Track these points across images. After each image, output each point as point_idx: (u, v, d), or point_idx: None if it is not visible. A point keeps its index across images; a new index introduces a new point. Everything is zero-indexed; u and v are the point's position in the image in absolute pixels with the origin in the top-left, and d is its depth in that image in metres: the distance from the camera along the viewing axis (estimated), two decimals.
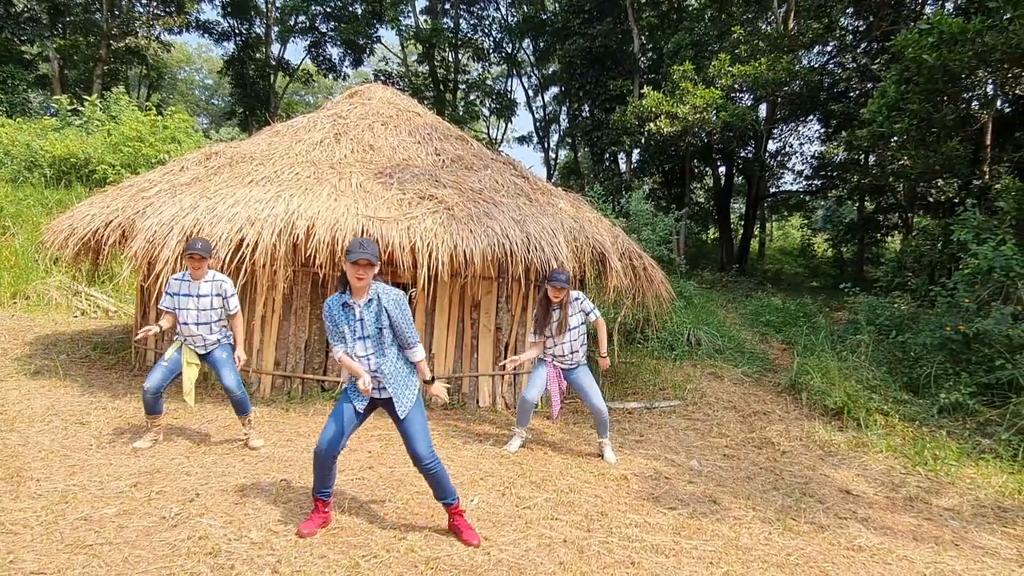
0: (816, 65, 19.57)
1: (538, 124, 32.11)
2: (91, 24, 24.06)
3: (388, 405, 3.58)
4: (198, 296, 4.70)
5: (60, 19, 23.04)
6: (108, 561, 3.10)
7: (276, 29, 30.05)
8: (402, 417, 3.51)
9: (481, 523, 3.94)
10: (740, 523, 4.38)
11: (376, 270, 3.47)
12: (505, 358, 6.95)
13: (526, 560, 3.52)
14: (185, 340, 4.78)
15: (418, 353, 3.61)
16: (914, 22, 12.55)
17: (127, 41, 25.12)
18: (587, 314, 5.41)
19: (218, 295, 4.77)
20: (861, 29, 18.76)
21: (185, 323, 4.71)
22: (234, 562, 3.20)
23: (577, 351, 5.40)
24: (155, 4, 27.66)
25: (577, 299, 5.36)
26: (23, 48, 24.91)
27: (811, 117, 22.26)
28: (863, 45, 18.64)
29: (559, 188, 8.47)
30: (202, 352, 4.82)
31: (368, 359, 3.52)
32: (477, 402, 6.84)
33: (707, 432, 6.77)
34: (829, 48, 19.76)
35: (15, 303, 10.28)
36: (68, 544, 3.24)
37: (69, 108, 17.95)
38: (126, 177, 12.99)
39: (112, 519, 3.56)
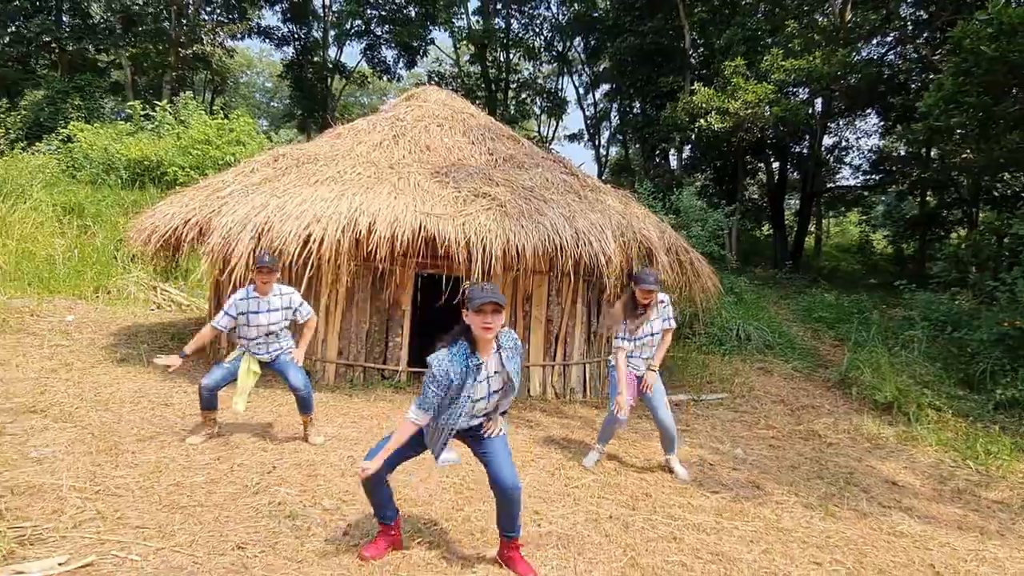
0: (874, 57, 19.16)
1: (589, 122, 32.18)
2: (161, 33, 25.25)
3: (468, 434, 3.24)
4: (268, 311, 4.80)
5: (132, 28, 24.27)
6: (201, 520, 3.49)
7: (333, 33, 30.90)
8: (490, 436, 3.19)
9: (533, 500, 4.21)
10: (782, 507, 4.54)
11: (503, 318, 3.01)
12: (556, 348, 7.22)
13: (574, 532, 3.78)
14: (249, 350, 4.87)
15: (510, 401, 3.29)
16: (979, 10, 12.23)
17: (194, 48, 26.27)
18: (664, 320, 4.99)
19: (287, 308, 4.88)
20: (922, 19, 18.31)
21: (254, 338, 4.80)
22: (310, 524, 3.56)
23: (652, 357, 4.99)
24: (219, 12, 28.82)
25: (663, 302, 4.98)
26: (98, 57, 26.35)
27: (869, 111, 21.78)
28: (924, 35, 18.19)
29: (608, 185, 8.68)
30: (267, 360, 4.91)
31: (491, 408, 3.17)
32: (528, 391, 7.12)
33: (754, 424, 6.89)
34: (888, 39, 19.33)
35: (97, 297, 11.02)
36: (165, 505, 3.65)
37: (142, 113, 18.92)
38: (194, 178, 13.74)
39: (201, 486, 3.96)
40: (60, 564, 2.92)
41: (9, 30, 23.09)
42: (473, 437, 3.24)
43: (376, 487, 3.16)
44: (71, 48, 23.17)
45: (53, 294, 10.49)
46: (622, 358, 4.80)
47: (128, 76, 25.49)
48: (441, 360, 2.97)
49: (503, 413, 3.29)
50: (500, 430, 3.21)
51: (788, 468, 5.49)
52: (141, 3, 23.43)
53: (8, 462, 4.07)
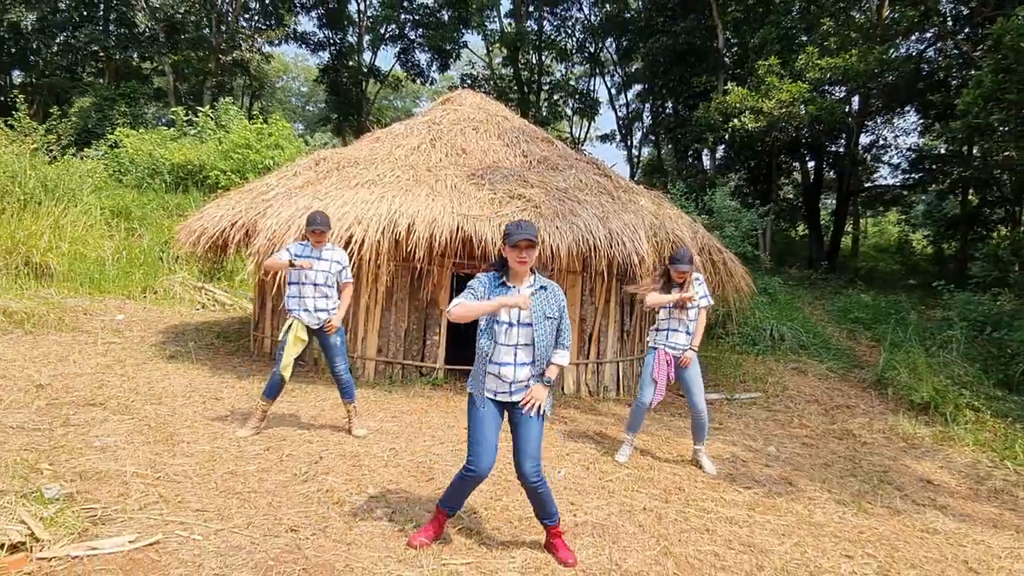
0: (912, 54, 18.84)
1: (621, 122, 32.15)
2: (202, 40, 25.93)
3: (513, 408, 3.33)
4: (319, 260, 5.05)
5: (175, 36, 24.96)
6: (256, 505, 3.70)
7: (368, 37, 31.37)
8: (528, 416, 3.26)
9: (568, 492, 4.35)
10: (814, 503, 4.60)
11: (537, 251, 3.25)
12: (589, 347, 7.34)
13: (608, 522, 3.90)
14: (298, 312, 5.05)
15: (566, 357, 3.39)
16: (1020, 6, 11.98)
17: (233, 55, 26.92)
18: (700, 297, 5.09)
19: (337, 262, 5.12)
20: (963, 15, 17.95)
21: (303, 283, 5.03)
22: (356, 510, 3.74)
23: (690, 335, 5.09)
24: (258, 19, 29.49)
25: (698, 279, 5.11)
26: (142, 64, 27.17)
27: (908, 108, 21.42)
28: (965, 31, 17.84)
29: (640, 186, 8.77)
30: (315, 326, 5.11)
31: (524, 349, 3.26)
32: (562, 389, 7.25)
33: (787, 423, 6.92)
34: (927, 35, 18.99)
35: (145, 297, 11.44)
36: (221, 491, 3.87)
37: (185, 119, 19.49)
38: (236, 182, 14.15)
39: (253, 474, 4.18)
40: (130, 542, 3.14)
41: (58, 40, 23.95)
42: (516, 413, 3.31)
43: (475, 487, 3.36)
44: (117, 57, 23.94)
45: (104, 294, 10.94)
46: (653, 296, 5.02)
47: (171, 83, 26.22)
48: (480, 277, 3.30)
49: (549, 384, 3.33)
50: (539, 406, 3.26)
51: (821, 466, 5.54)
52: (183, 12, 24.11)
53: (75, 450, 4.34)
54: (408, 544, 3.38)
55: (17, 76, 27.87)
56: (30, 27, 22.35)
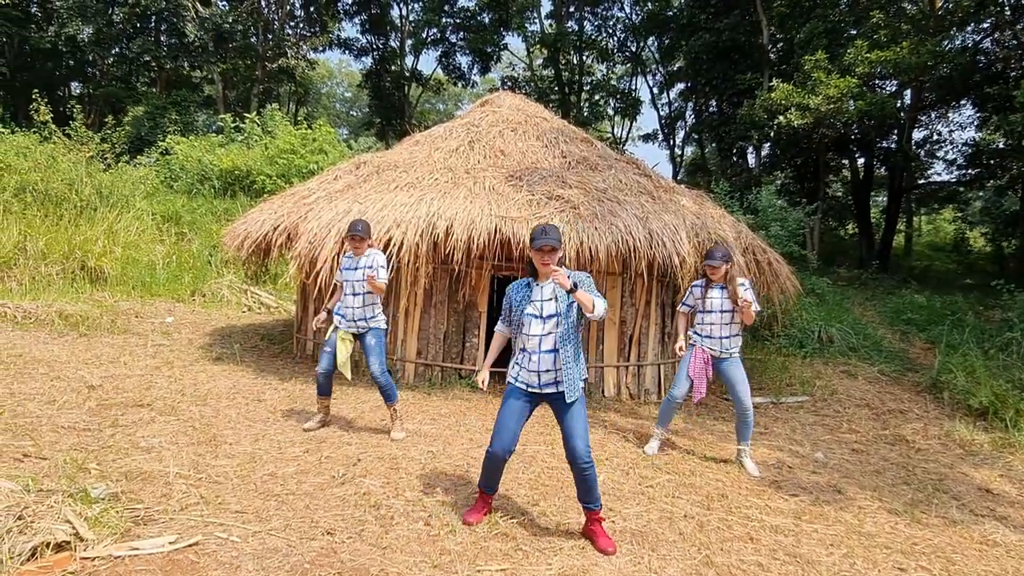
0: (968, 45, 18.13)
1: (663, 121, 31.77)
2: (249, 48, 26.57)
3: (553, 400, 3.56)
4: (355, 268, 5.17)
5: (223, 45, 25.62)
6: (293, 507, 3.73)
7: (410, 42, 31.75)
8: (570, 401, 3.47)
9: (606, 497, 4.26)
10: (864, 512, 4.43)
11: (560, 254, 3.56)
12: (629, 350, 7.24)
13: (648, 529, 3.82)
14: (341, 320, 5.22)
15: (601, 305, 3.48)
16: None
17: (279, 62, 27.49)
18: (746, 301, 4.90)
19: (369, 266, 5.14)
20: (1022, 3, 17.20)
21: (347, 293, 5.18)
22: (393, 514, 3.74)
23: (731, 337, 5.06)
24: (303, 26, 30.10)
25: (743, 284, 5.01)
26: (192, 73, 27.95)
27: (963, 102, 20.62)
28: None
29: (682, 185, 8.61)
30: (355, 332, 5.23)
31: (548, 338, 3.51)
32: (603, 391, 7.16)
33: (836, 428, 6.70)
34: (984, 25, 18.25)
35: (194, 300, 11.72)
36: (260, 492, 3.91)
37: (232, 125, 19.96)
38: (281, 186, 14.41)
39: (292, 476, 4.22)
40: (170, 543, 3.18)
41: (113, 51, 24.80)
42: (556, 405, 3.58)
43: (502, 464, 3.65)
44: (168, 66, 24.68)
45: (154, 297, 11.24)
46: (681, 320, 5.33)
47: (219, 90, 26.93)
48: (511, 286, 3.73)
49: (584, 380, 3.65)
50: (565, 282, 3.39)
51: (872, 473, 5.34)
52: (231, 21, 24.72)
53: (121, 450, 4.44)
54: (463, 522, 3.68)
55: (75, 87, 28.98)
56: (86, 39, 23.19)
